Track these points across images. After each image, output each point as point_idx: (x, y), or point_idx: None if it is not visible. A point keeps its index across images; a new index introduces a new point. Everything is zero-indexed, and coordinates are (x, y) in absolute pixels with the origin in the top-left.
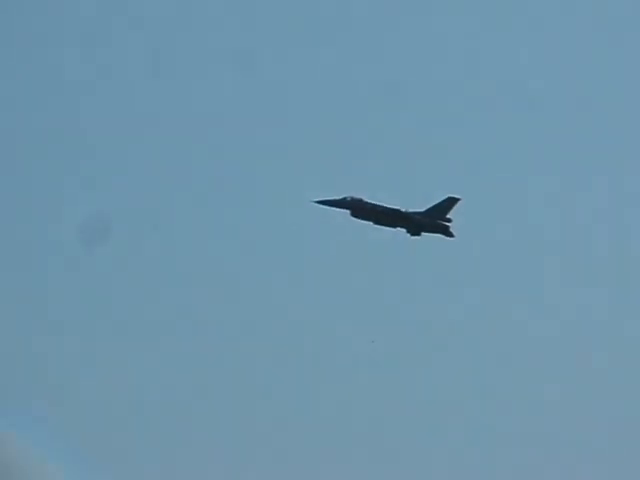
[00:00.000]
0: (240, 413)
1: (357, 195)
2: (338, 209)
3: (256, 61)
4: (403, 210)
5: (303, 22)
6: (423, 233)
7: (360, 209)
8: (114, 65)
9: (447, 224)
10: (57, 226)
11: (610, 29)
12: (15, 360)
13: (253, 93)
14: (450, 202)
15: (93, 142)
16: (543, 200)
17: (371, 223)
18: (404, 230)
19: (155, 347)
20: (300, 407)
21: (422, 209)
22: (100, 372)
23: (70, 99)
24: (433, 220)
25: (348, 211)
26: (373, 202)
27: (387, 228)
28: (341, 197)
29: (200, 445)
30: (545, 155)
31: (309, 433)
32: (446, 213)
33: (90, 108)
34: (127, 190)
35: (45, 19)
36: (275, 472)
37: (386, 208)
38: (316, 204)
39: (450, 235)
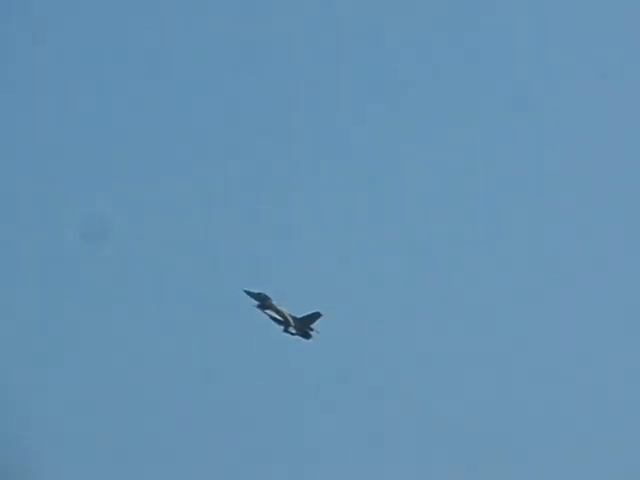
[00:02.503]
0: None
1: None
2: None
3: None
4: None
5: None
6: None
7: (267, 306)
8: (114, 65)
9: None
10: (57, 226)
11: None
12: (15, 360)
13: (253, 94)
14: (316, 316)
15: (93, 142)
16: None
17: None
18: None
19: (154, 347)
20: None
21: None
22: (100, 372)
23: (70, 99)
24: (305, 326)
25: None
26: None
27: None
28: (257, 291)
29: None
30: None
31: None
32: (312, 323)
33: (90, 108)
34: (127, 190)
35: (44, 19)
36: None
37: (287, 315)
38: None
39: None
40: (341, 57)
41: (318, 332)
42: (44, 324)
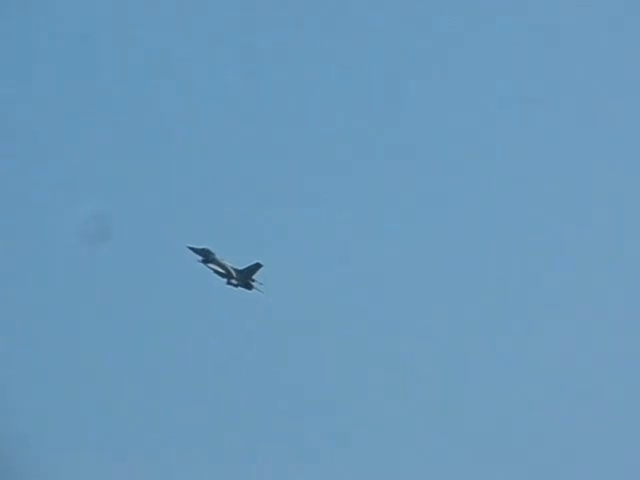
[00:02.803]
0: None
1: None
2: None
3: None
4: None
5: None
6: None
7: (212, 260)
8: (114, 65)
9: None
10: (57, 226)
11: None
12: (14, 360)
13: (254, 93)
14: (257, 266)
15: (93, 142)
16: None
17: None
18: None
19: (154, 347)
20: None
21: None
22: (100, 372)
23: (70, 99)
24: (247, 278)
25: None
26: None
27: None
28: (201, 247)
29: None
30: None
31: None
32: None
33: (90, 108)
34: (127, 190)
35: (44, 19)
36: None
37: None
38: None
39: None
40: (342, 57)
41: (261, 283)
42: (44, 324)
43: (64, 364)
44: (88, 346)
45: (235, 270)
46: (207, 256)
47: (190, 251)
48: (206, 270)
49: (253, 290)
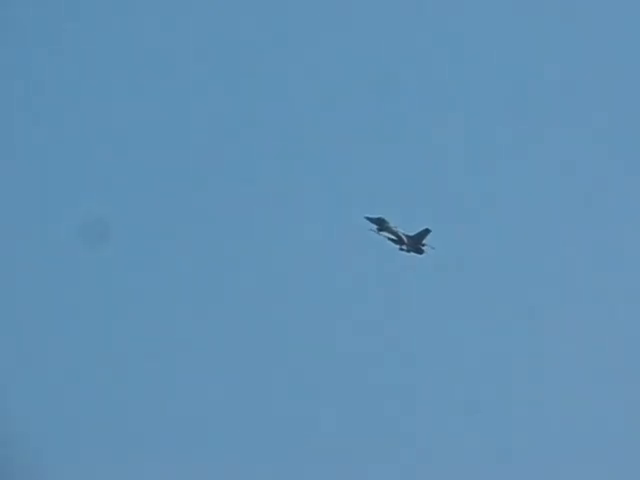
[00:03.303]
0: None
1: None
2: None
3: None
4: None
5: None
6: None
7: (386, 228)
8: (115, 65)
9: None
10: (57, 227)
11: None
12: (14, 360)
13: (254, 94)
14: (426, 232)
15: (93, 142)
16: None
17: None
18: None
19: (154, 347)
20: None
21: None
22: (100, 372)
23: (70, 99)
24: (417, 243)
25: (376, 226)
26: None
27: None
28: (376, 216)
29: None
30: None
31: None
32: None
33: (90, 108)
34: (127, 191)
35: (43, 19)
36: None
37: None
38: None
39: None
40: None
41: (433, 248)
42: (44, 324)
43: (64, 364)
44: (88, 346)
45: (406, 236)
46: (382, 224)
47: (366, 221)
48: None
49: (424, 254)
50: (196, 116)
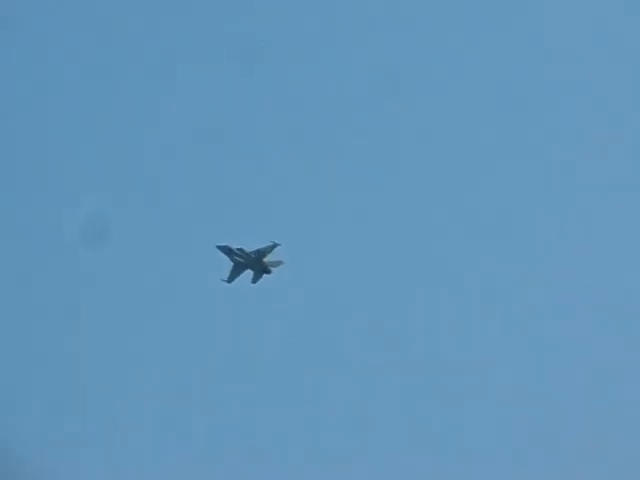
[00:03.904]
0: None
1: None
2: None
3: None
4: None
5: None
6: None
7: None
8: (115, 65)
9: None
10: (57, 226)
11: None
12: (14, 360)
13: (255, 94)
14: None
15: (93, 142)
16: None
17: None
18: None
19: (154, 347)
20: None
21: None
22: (100, 372)
23: (70, 98)
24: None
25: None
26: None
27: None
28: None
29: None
30: None
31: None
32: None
33: (90, 107)
34: (127, 190)
35: (44, 18)
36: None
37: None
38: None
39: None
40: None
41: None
42: (43, 324)
43: (64, 364)
44: (88, 346)
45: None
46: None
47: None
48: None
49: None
50: (196, 116)
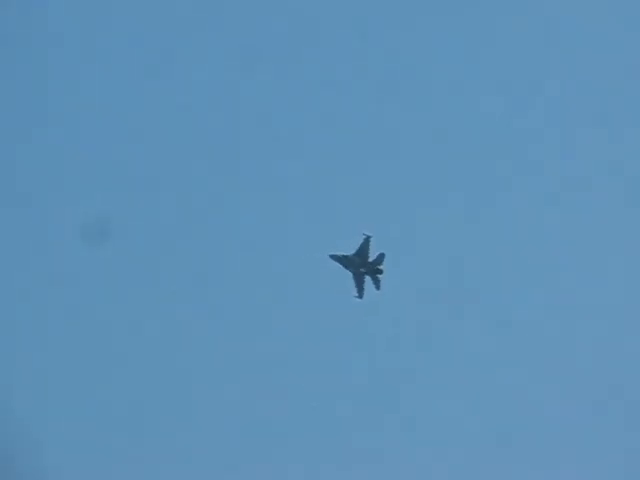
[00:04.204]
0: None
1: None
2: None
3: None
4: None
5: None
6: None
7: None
8: (114, 64)
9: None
10: (57, 226)
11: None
12: (14, 360)
13: (255, 94)
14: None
15: (93, 142)
16: None
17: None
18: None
19: (154, 347)
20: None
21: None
22: (100, 372)
23: (70, 98)
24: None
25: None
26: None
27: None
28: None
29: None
30: None
31: None
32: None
33: (90, 107)
34: (127, 190)
35: (43, 19)
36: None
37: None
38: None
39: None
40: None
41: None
42: (44, 324)
43: (64, 364)
44: (88, 346)
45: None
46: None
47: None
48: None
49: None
50: (196, 116)
